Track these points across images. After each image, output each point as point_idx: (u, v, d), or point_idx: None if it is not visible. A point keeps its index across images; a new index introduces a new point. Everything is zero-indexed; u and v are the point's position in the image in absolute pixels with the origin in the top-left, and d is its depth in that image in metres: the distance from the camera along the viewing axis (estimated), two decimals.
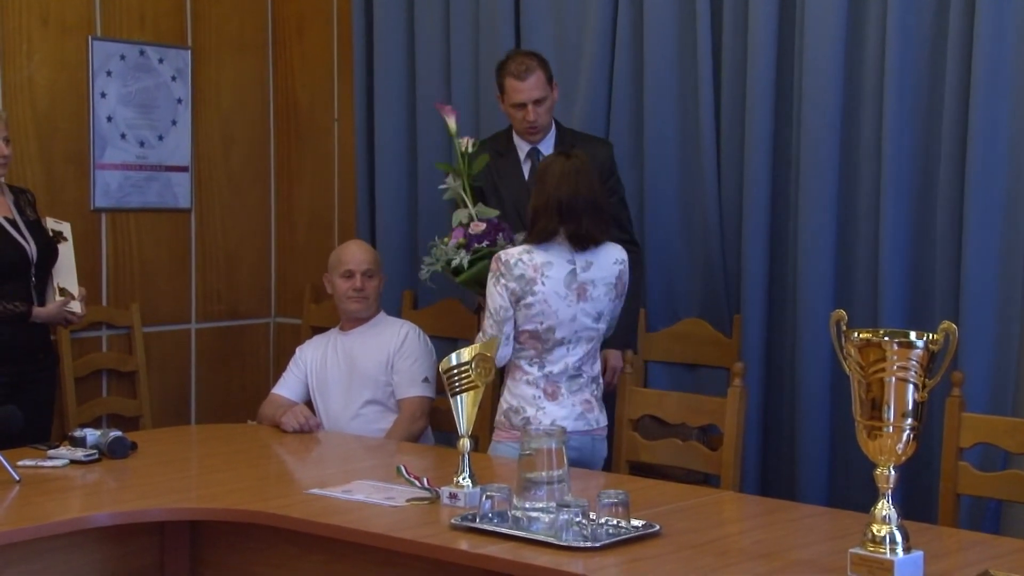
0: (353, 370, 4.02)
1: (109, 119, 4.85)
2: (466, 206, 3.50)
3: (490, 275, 3.43)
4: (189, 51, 5.05)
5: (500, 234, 3.67)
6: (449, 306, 4.66)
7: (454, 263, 3.45)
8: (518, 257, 3.41)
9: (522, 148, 4.02)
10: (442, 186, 3.77)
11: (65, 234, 4.11)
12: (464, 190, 3.32)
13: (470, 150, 3.57)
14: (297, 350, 4.19)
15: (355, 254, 4.11)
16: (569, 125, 4.35)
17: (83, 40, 4.75)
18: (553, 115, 4.03)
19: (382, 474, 3.19)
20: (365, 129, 4.97)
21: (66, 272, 4.08)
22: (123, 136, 4.88)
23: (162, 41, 4.98)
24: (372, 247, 4.31)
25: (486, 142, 4.10)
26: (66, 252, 4.09)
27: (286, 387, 4.08)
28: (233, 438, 3.82)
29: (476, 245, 3.50)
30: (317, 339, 4.21)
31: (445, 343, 4.39)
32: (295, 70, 5.32)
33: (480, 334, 3.46)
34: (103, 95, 4.82)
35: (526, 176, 3.97)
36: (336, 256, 4.15)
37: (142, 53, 4.92)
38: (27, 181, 4.51)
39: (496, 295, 3.41)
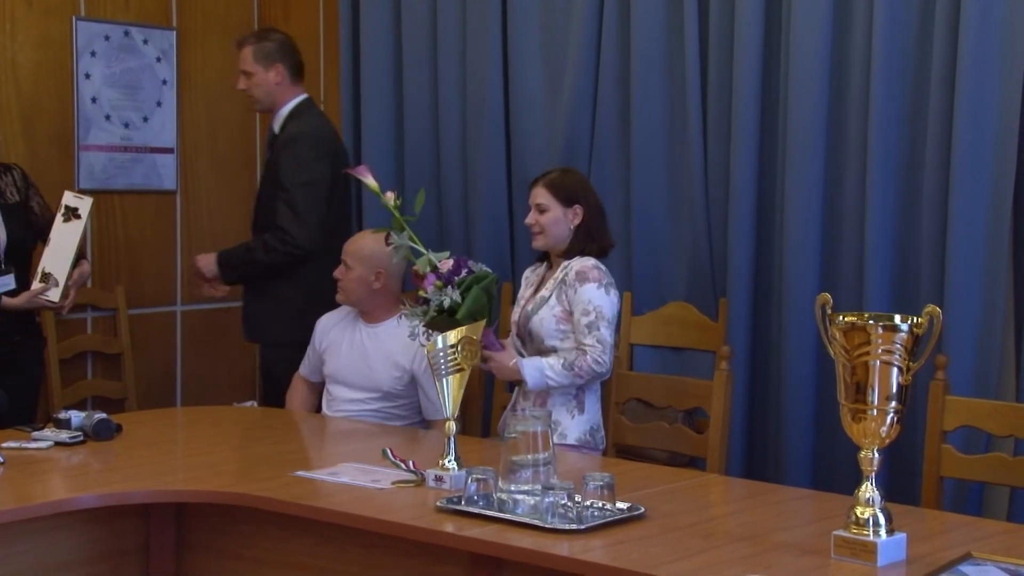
0: (365, 370, 3.86)
1: (93, 100, 4.82)
2: (423, 253, 3.38)
3: (595, 284, 3.44)
4: (174, 32, 5.03)
5: (467, 264, 3.42)
6: None
7: (447, 303, 3.25)
8: (606, 267, 3.52)
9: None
10: (389, 246, 3.43)
11: (80, 211, 3.92)
12: (413, 240, 3.25)
13: (396, 203, 3.41)
14: (318, 323, 4.01)
15: (349, 241, 3.95)
16: (556, 109, 4.36)
17: (67, 20, 4.72)
18: (294, 95, 4.34)
19: (368, 457, 3.19)
20: (351, 111, 4.96)
21: (59, 254, 3.90)
22: (108, 117, 4.86)
23: (147, 22, 4.96)
24: (373, 236, 3.84)
25: None
26: (69, 232, 3.91)
27: (307, 366, 4.00)
28: (218, 420, 3.82)
29: (456, 278, 3.29)
30: (341, 316, 3.98)
31: None
32: None
33: (596, 346, 3.40)
34: (87, 76, 4.80)
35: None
36: None
37: (127, 34, 4.89)
38: (10, 162, 4.49)
39: (612, 302, 3.46)
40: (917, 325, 2.36)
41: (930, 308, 2.37)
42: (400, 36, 4.79)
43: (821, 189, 3.83)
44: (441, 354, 2.97)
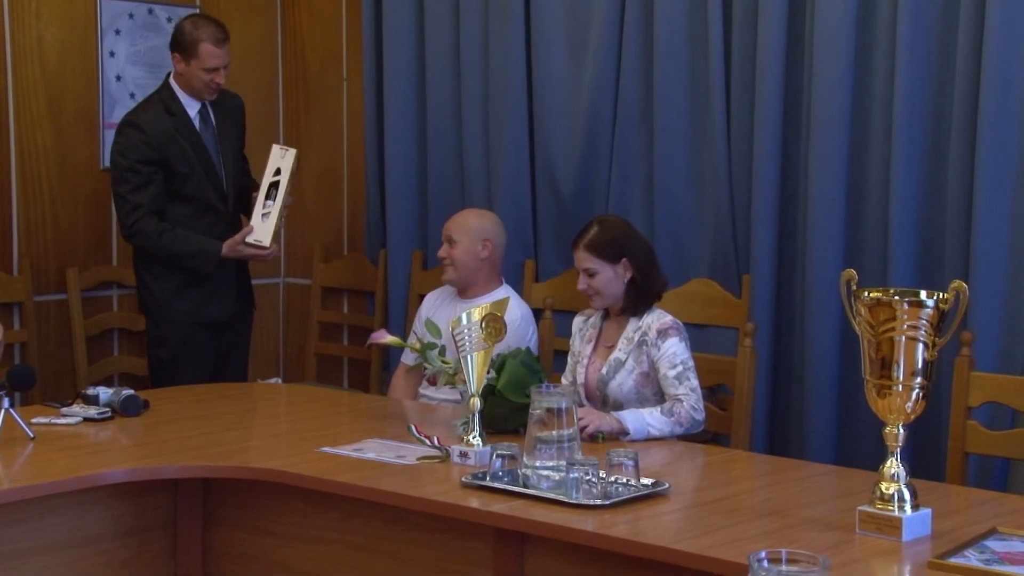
0: None
1: (118, 78, 4.84)
2: (454, 366, 3.27)
3: (676, 338, 3.34)
4: (197, 10, 5.03)
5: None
6: None
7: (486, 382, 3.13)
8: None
9: (191, 106, 4.31)
10: (426, 371, 3.47)
11: (283, 167, 4.23)
12: (443, 359, 3.27)
13: (422, 344, 3.36)
14: (424, 302, 4.14)
15: (450, 220, 4.07)
16: (579, 85, 4.36)
17: None
18: None
19: (393, 432, 3.21)
20: (374, 89, 4.96)
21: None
22: (132, 95, 4.87)
23: (170, 0, 4.97)
24: (485, 213, 4.19)
25: (154, 101, 4.31)
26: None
27: (408, 352, 3.92)
28: (244, 397, 3.85)
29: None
30: (443, 295, 4.09)
31: None
32: (304, 30, 5.30)
33: (691, 394, 3.28)
34: (112, 54, 4.81)
35: (197, 128, 4.33)
36: None
37: (150, 12, 4.91)
38: (37, 141, 4.51)
39: (690, 353, 3.36)
40: (943, 301, 2.35)
41: (956, 284, 2.36)
42: (423, 14, 4.78)
43: (845, 164, 3.81)
44: (466, 331, 2.98)
